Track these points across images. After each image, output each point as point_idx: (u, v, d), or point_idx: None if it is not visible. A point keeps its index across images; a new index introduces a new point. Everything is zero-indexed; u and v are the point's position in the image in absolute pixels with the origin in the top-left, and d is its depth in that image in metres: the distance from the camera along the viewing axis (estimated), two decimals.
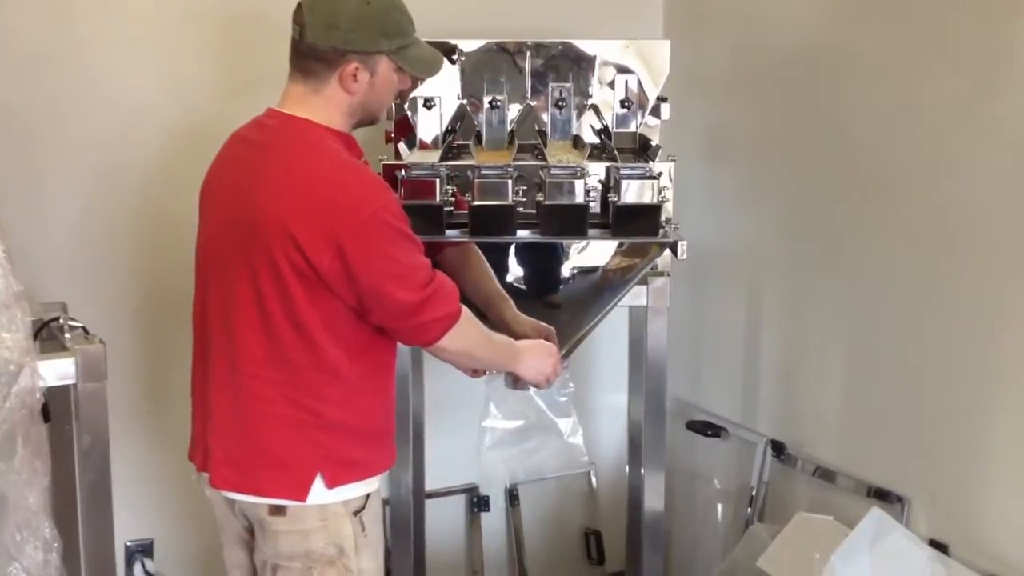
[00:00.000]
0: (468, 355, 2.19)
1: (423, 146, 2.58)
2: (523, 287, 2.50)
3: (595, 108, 2.67)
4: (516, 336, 2.34)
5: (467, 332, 2.11)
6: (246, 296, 1.99)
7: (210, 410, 2.08)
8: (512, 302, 2.43)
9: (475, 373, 2.38)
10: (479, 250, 2.45)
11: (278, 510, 2.02)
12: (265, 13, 2.77)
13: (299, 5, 2.06)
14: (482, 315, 2.32)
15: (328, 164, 1.99)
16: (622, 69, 2.65)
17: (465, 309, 2.10)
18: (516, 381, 2.39)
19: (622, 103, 2.63)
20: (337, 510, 2.04)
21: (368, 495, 2.10)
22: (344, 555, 2.05)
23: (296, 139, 2.03)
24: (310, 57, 2.04)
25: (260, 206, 1.96)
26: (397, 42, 2.07)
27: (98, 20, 2.67)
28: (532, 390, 2.45)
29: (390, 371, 2.18)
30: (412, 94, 2.53)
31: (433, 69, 2.22)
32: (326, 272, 1.93)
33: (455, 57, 2.61)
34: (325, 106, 2.05)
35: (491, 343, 2.24)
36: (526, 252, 2.47)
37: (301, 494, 2.00)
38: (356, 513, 2.07)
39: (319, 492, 2.01)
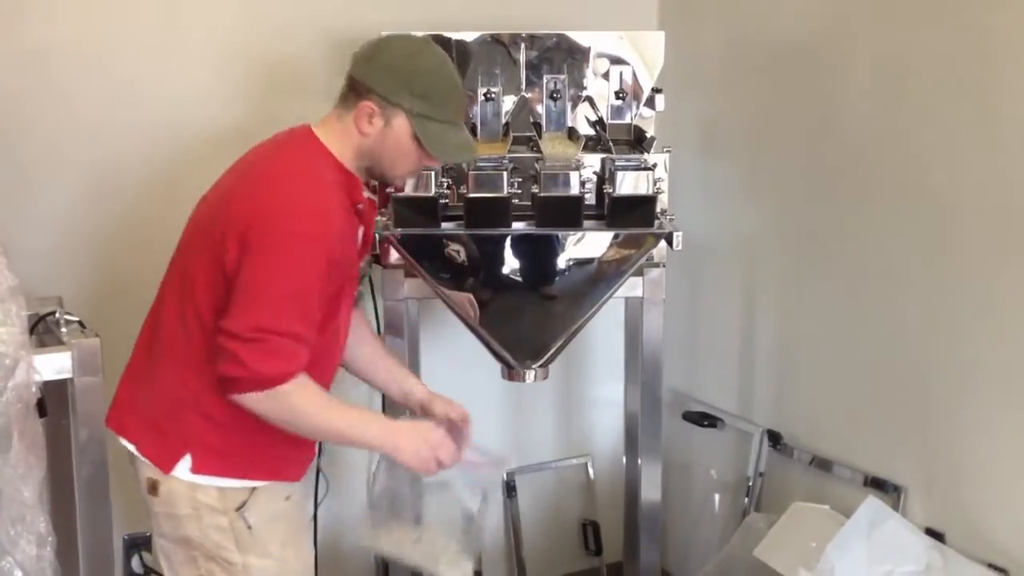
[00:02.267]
0: (283, 424, 1.97)
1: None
2: (519, 279, 2.50)
3: (590, 100, 2.67)
4: (429, 417, 2.22)
5: (285, 406, 1.92)
6: (175, 272, 2.04)
7: (128, 365, 2.10)
8: (420, 383, 2.33)
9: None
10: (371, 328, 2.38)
11: (152, 488, 2.00)
12: (258, 11, 2.78)
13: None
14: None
15: (295, 172, 1.96)
16: (617, 61, 2.66)
17: (304, 381, 1.92)
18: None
19: (617, 95, 2.63)
20: (210, 503, 1.99)
21: (253, 489, 2.01)
22: (223, 549, 2.01)
23: (293, 149, 2.02)
24: (347, 84, 2.04)
25: (226, 193, 1.99)
26: (421, 106, 1.99)
27: (94, 14, 2.66)
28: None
29: None
30: None
31: (451, 155, 2.10)
32: (230, 263, 1.90)
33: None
34: (340, 136, 2.02)
35: (328, 422, 2.00)
36: (522, 244, 2.47)
37: (165, 466, 1.98)
38: (238, 508, 1.99)
39: (183, 471, 1.98)
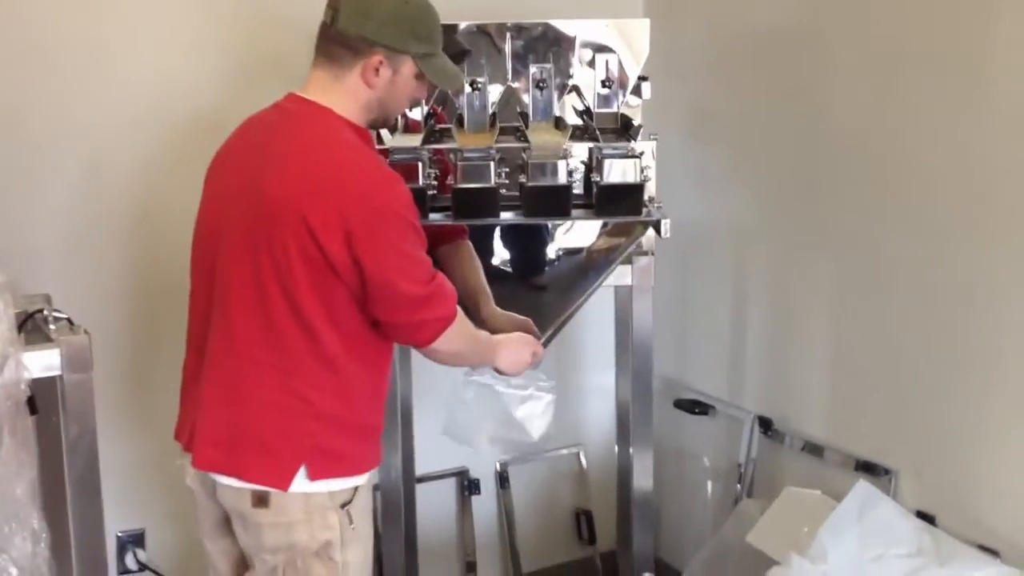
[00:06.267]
0: (459, 356, 2.20)
1: (405, 130, 2.57)
2: (508, 269, 2.50)
3: (576, 89, 2.67)
4: (492, 331, 2.32)
5: (459, 335, 2.11)
6: (247, 278, 1.98)
7: (202, 391, 2.06)
8: (491, 296, 2.42)
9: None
10: (471, 246, 2.45)
11: (261, 501, 1.99)
12: (255, 7, 2.77)
13: None
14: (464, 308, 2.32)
15: (343, 151, 2.00)
16: (602, 49, 2.65)
17: (459, 311, 2.10)
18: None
19: (603, 83, 2.62)
20: (322, 502, 2.01)
21: (356, 488, 2.07)
22: (330, 547, 2.03)
23: (313, 125, 2.03)
24: (337, 43, 2.04)
25: (271, 189, 1.95)
26: (424, 48, 2.08)
27: (87, 13, 2.65)
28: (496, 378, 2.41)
29: (385, 368, 2.16)
30: None
31: (454, 82, 2.25)
32: (335, 256, 1.92)
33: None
34: (345, 96, 2.05)
35: (477, 342, 2.23)
36: (510, 234, 2.47)
37: (283, 483, 1.98)
38: (343, 506, 2.04)
39: (301, 483, 1.99)
